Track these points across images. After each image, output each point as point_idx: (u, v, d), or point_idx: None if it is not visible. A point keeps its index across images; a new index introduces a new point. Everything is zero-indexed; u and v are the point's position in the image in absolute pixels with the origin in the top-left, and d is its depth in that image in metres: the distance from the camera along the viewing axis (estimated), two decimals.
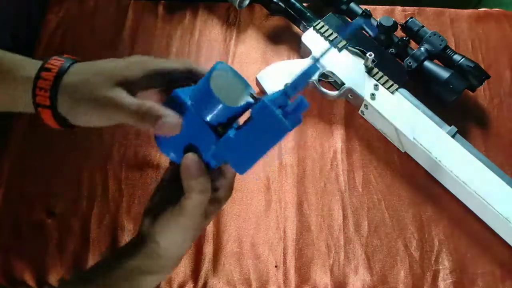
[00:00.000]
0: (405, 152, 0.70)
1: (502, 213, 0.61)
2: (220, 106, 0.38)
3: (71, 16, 0.81)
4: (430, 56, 0.69)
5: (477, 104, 0.74)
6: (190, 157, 0.40)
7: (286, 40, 0.79)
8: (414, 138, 0.66)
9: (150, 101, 0.39)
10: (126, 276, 0.43)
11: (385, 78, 0.69)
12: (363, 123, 0.72)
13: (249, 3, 0.79)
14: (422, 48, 0.69)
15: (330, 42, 0.71)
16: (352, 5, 0.73)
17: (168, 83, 0.42)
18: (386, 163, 0.70)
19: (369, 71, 0.70)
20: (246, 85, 0.41)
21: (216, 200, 0.44)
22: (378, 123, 0.71)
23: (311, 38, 0.73)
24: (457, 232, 0.65)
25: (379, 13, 0.82)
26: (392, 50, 0.71)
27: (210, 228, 0.65)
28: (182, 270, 0.63)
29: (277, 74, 0.72)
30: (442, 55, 0.70)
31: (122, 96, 0.39)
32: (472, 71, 0.67)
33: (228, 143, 0.39)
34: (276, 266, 0.63)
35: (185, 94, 0.40)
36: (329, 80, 0.73)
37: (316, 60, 0.36)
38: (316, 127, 0.72)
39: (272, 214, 0.66)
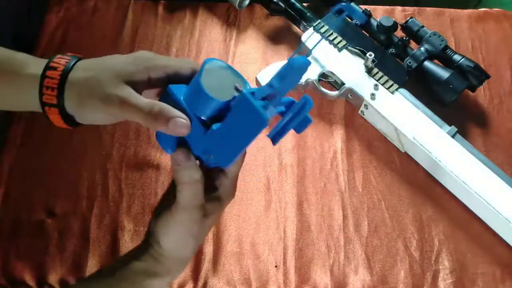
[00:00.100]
0: (405, 152, 0.70)
1: (502, 213, 0.61)
2: (209, 99, 0.38)
3: (71, 16, 0.81)
4: (430, 56, 0.69)
5: (477, 104, 0.74)
6: (178, 150, 0.41)
7: (286, 40, 0.79)
8: (414, 138, 0.66)
9: (157, 101, 0.40)
10: (132, 279, 0.43)
11: (385, 78, 0.69)
12: (363, 123, 0.72)
13: (249, 3, 0.79)
14: (422, 48, 0.69)
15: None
16: (352, 5, 0.73)
17: (171, 82, 0.42)
18: (386, 163, 0.69)
19: (369, 71, 0.70)
20: (241, 79, 0.41)
21: (216, 198, 0.44)
22: (378, 123, 0.71)
23: (311, 38, 0.73)
24: (457, 232, 0.65)
25: (379, 13, 0.82)
26: (392, 50, 0.71)
27: None
28: None
29: None
30: (442, 55, 0.70)
31: (132, 94, 0.39)
32: (472, 71, 0.67)
33: (211, 136, 0.39)
34: (276, 266, 0.63)
35: (178, 90, 0.41)
36: (329, 80, 0.73)
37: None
38: (316, 127, 0.72)
39: (272, 214, 0.66)
